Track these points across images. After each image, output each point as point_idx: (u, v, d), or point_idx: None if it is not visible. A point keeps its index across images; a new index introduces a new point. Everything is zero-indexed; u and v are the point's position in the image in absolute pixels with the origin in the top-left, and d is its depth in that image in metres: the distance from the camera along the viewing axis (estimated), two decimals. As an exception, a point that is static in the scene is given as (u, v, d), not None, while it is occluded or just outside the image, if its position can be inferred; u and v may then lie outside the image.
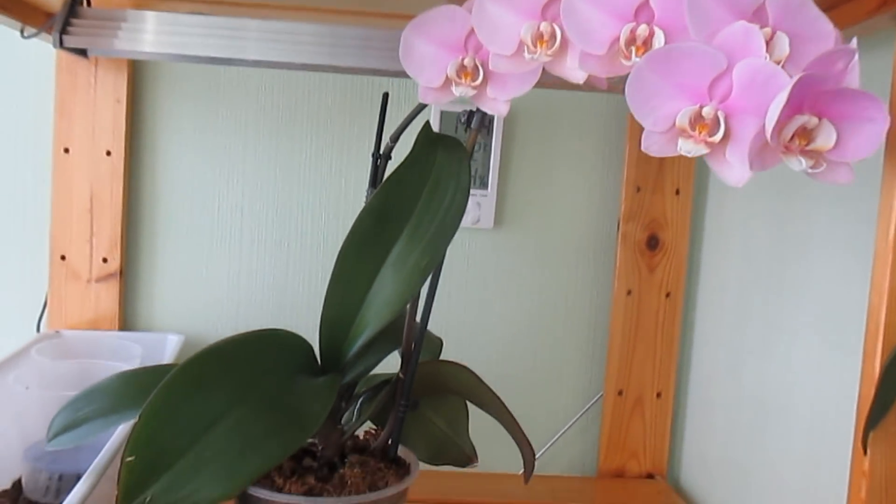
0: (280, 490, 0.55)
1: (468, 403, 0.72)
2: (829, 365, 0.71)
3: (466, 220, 1.01)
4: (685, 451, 1.03)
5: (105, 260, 0.99)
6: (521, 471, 1.03)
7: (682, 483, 1.03)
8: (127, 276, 1.01)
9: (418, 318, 0.60)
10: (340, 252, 0.58)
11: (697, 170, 1.00)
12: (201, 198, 1.01)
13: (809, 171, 0.41)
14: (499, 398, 0.64)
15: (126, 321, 1.02)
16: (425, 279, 0.56)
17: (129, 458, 0.42)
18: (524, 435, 0.65)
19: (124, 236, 1.00)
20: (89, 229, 0.99)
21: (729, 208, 0.94)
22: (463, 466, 0.71)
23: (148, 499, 0.42)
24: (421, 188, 0.57)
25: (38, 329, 1.00)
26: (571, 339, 1.04)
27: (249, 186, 1.01)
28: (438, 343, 0.71)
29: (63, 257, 0.98)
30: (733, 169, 0.41)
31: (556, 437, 1.05)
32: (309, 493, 0.55)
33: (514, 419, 0.64)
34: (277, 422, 0.47)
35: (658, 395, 1.02)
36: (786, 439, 0.77)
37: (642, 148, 0.43)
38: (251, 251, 1.02)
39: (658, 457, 1.03)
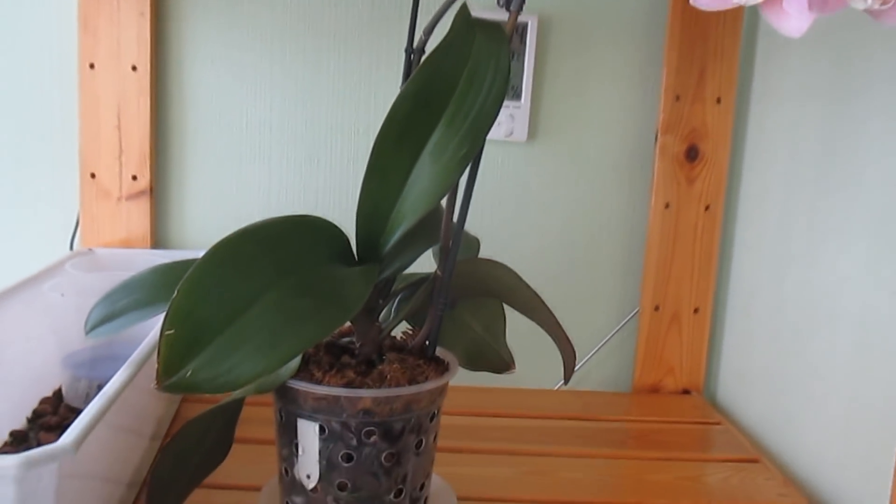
0: (319, 383, 0.55)
1: (505, 312, 0.71)
2: (882, 267, 0.68)
3: (499, 133, 0.98)
4: (722, 366, 1.01)
5: (135, 178, 0.98)
6: (556, 385, 1.03)
7: (719, 398, 1.02)
8: (157, 193, 1.00)
9: (456, 214, 0.59)
10: (376, 141, 0.56)
11: (740, 76, 0.97)
12: (229, 114, 0.99)
13: (877, 6, 0.37)
14: (538, 296, 0.62)
15: (157, 239, 1.02)
16: (465, 169, 0.54)
17: (169, 332, 0.41)
18: (564, 333, 0.63)
19: (153, 153, 0.99)
20: (118, 147, 0.98)
21: (774, 114, 0.90)
22: (500, 372, 0.70)
23: (189, 373, 0.41)
24: (459, 73, 0.55)
25: (71, 248, 1.01)
26: (607, 254, 1.02)
27: (277, 102, 0.99)
28: (476, 243, 0.69)
29: (93, 175, 0.98)
30: (790, 18, 0.38)
31: (591, 353, 1.04)
32: (348, 385, 0.55)
33: (554, 317, 0.63)
34: (318, 300, 0.46)
35: (696, 310, 1.00)
36: (831, 348, 0.76)
37: (691, 1, 0.40)
38: (280, 168, 1.00)
39: (695, 372, 1.02)
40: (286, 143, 1.00)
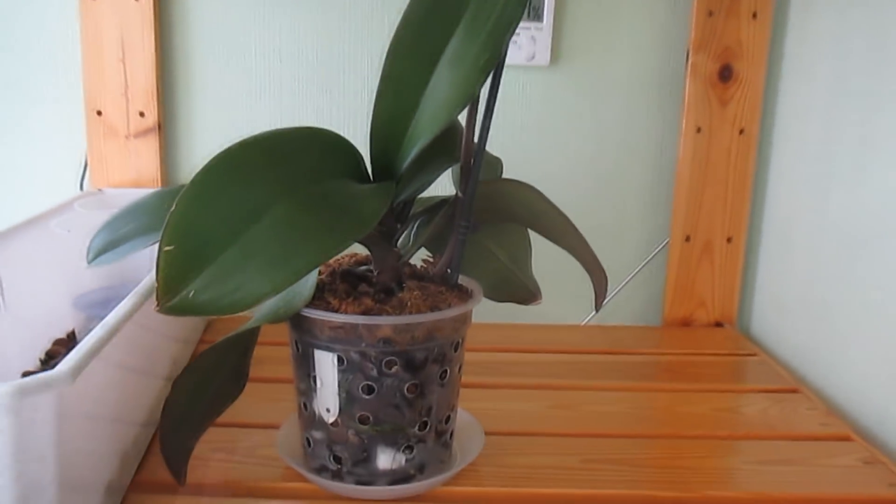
0: (336, 311, 0.51)
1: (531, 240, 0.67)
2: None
3: (520, 57, 0.93)
4: (756, 298, 0.97)
5: (142, 114, 0.94)
6: (583, 320, 1.00)
7: (753, 331, 0.98)
8: (166, 130, 0.97)
9: (477, 131, 0.55)
10: (389, 48, 0.52)
11: (777, -12, 0.90)
12: (237, 44, 0.94)
13: None
14: (568, 220, 0.58)
15: (168, 179, 0.98)
16: (486, 78, 0.50)
17: (168, 248, 0.38)
18: (596, 258, 0.60)
19: (160, 88, 0.95)
20: (123, 81, 0.94)
21: (815, 27, 0.84)
22: (525, 304, 0.66)
23: (191, 293, 0.38)
24: (478, -29, 0.50)
25: (80, 188, 0.98)
26: (636, 182, 0.98)
27: (287, 30, 0.94)
28: (499, 163, 0.65)
29: (99, 112, 0.94)
30: None
31: (620, 286, 1.00)
32: (366, 313, 0.51)
33: (585, 241, 0.59)
34: (331, 215, 0.42)
35: (728, 239, 0.96)
36: (880, 271, 0.71)
37: None
38: (292, 100, 0.96)
39: (727, 304, 0.98)
40: (297, 75, 0.95)
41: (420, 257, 0.62)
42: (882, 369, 0.70)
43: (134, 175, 0.96)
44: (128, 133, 0.95)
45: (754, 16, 0.90)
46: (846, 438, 0.68)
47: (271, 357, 0.70)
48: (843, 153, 0.78)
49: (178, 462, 0.52)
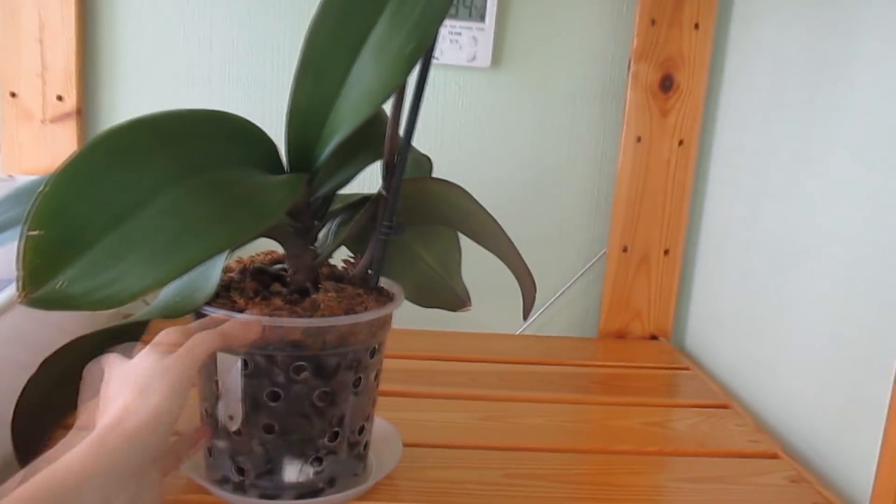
0: (241, 311, 0.48)
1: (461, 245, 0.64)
2: (867, 199, 0.63)
3: (461, 58, 0.91)
4: (692, 311, 0.96)
5: (60, 98, 0.89)
6: (518, 330, 0.97)
7: (688, 345, 0.97)
8: (86, 116, 0.91)
9: (403, 126, 0.52)
10: (308, 33, 0.48)
11: (720, 0, 0.90)
12: (166, 29, 0.90)
13: None
14: (496, 223, 0.56)
15: (87, 168, 0.93)
16: (411, 68, 0.47)
17: (34, 233, 0.34)
18: (524, 264, 0.57)
19: (81, 71, 0.89)
20: (40, 62, 0.88)
21: (755, 39, 0.84)
22: (454, 310, 0.64)
23: (62, 283, 0.34)
24: (406, -47, 0.47)
25: (-10, 175, 0.92)
26: (574, 190, 0.96)
27: (219, 17, 0.90)
28: (427, 162, 0.62)
29: (13, 94, 0.89)
30: None
31: (556, 296, 0.98)
32: (275, 314, 0.48)
33: (514, 247, 0.56)
34: (225, 205, 0.38)
35: (665, 251, 0.95)
36: (809, 287, 0.70)
37: None
38: (222, 90, 0.92)
39: (663, 317, 0.97)
40: (228, 63, 0.91)
41: (341, 257, 0.58)
42: (810, 386, 0.70)
43: (49, 161, 0.90)
44: (44, 117, 0.89)
45: (696, 26, 0.89)
46: (774, 456, 0.67)
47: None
48: (777, 166, 0.77)
49: (28, 450, 0.47)
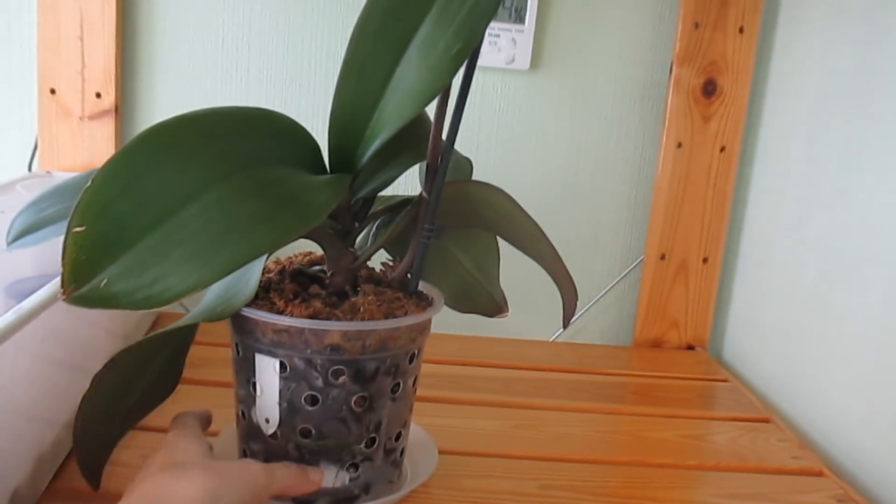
0: (281, 313, 0.47)
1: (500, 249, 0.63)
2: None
3: (500, 60, 0.89)
4: (730, 321, 0.94)
5: (98, 95, 0.89)
6: (552, 336, 0.96)
7: (726, 356, 0.95)
8: (123, 113, 0.92)
9: (446, 127, 0.51)
10: (355, 30, 0.48)
11: (766, 4, 0.88)
12: (203, 28, 0.90)
13: None
14: (538, 227, 0.54)
15: (124, 165, 0.93)
16: (457, 69, 0.46)
17: (78, 229, 0.33)
18: (566, 270, 0.56)
19: (119, 69, 0.90)
20: (80, 60, 0.89)
21: (802, 44, 0.81)
22: (491, 316, 0.62)
23: (104, 282, 0.33)
24: (453, -47, 0.46)
25: (29, 170, 0.92)
26: (612, 196, 0.94)
27: (257, 17, 0.90)
28: (468, 165, 0.61)
29: (52, 91, 0.89)
30: None
31: (591, 303, 0.96)
32: (314, 317, 0.47)
33: (556, 252, 0.55)
34: (270, 205, 0.38)
35: (704, 260, 0.93)
36: (859, 299, 0.68)
37: None
38: (259, 90, 0.91)
39: (700, 327, 0.95)
40: (265, 64, 0.91)
41: (380, 260, 0.58)
42: (856, 402, 0.67)
43: (86, 158, 0.91)
44: (82, 114, 0.90)
45: (741, 30, 0.88)
46: (818, 474, 0.65)
47: (213, 358, 0.65)
48: (825, 175, 0.75)
49: (92, 466, 0.48)
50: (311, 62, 0.91)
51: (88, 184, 0.35)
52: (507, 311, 0.62)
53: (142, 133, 0.37)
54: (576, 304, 0.58)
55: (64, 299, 0.33)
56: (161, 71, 0.91)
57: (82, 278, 0.34)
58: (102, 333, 0.65)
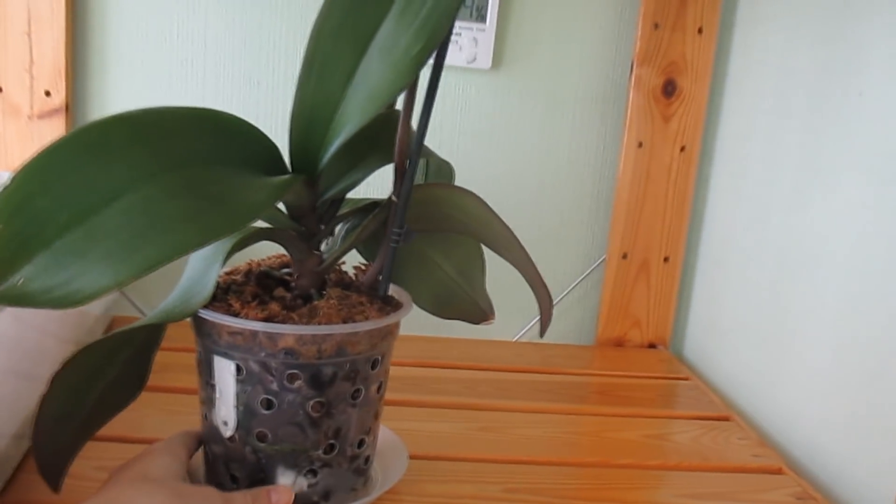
0: (237, 315, 0.46)
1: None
2: (877, 208, 0.62)
3: (461, 59, 0.89)
4: (691, 319, 0.95)
5: (48, 93, 0.87)
6: (515, 336, 0.96)
7: (686, 354, 0.96)
8: (74, 112, 0.89)
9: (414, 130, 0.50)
10: (313, 30, 0.46)
11: (724, 4, 0.88)
12: (158, 24, 0.88)
13: None
14: (512, 233, 0.54)
15: (75, 165, 0.90)
16: (419, 68, 0.45)
17: None
18: (540, 277, 0.55)
19: (69, 66, 0.87)
20: (28, 56, 0.86)
21: (760, 44, 0.82)
22: (476, 323, 0.61)
23: (20, 280, 0.32)
24: (414, -51, 0.46)
25: (-26, 171, 0.89)
26: (574, 196, 0.94)
27: (213, 13, 0.88)
28: (448, 169, 0.60)
29: (-1, 89, 0.86)
30: None
31: (554, 303, 0.96)
32: (268, 319, 0.46)
33: (529, 258, 0.54)
34: (197, 205, 0.37)
35: (665, 259, 0.93)
36: (816, 298, 0.69)
37: None
38: (216, 88, 0.89)
39: (662, 326, 0.95)
40: (222, 61, 0.89)
41: (353, 264, 0.56)
42: (814, 400, 0.68)
43: (36, 159, 0.88)
44: (31, 113, 0.87)
45: (700, 31, 0.88)
46: (778, 471, 0.65)
47: (178, 364, 0.64)
48: (783, 175, 0.76)
49: (52, 467, 0.46)
50: (270, 60, 0.89)
51: (7, 183, 0.34)
52: (493, 317, 0.61)
53: (70, 132, 0.37)
54: (551, 311, 0.58)
55: None
56: (114, 68, 0.88)
57: (0, 276, 0.33)
58: (52, 340, 0.62)
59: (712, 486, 0.61)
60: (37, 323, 0.58)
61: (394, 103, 0.54)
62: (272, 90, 0.90)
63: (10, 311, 0.49)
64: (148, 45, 0.88)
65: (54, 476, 0.46)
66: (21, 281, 0.33)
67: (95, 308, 0.78)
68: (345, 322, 0.47)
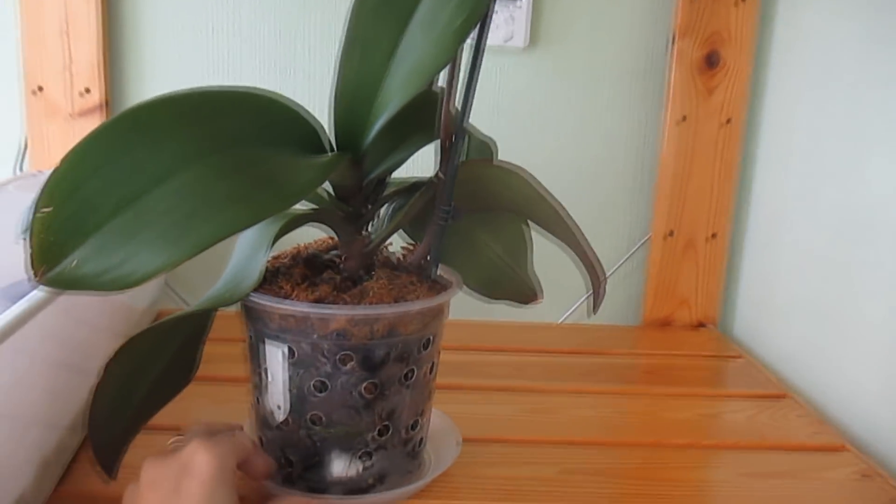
0: (287, 298, 0.45)
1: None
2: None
3: (496, 38, 0.87)
4: (740, 297, 0.93)
5: (87, 91, 0.87)
6: (559, 319, 0.94)
7: (736, 333, 0.93)
8: (113, 109, 0.89)
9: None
10: (353, 9, 0.46)
11: (767, -28, 0.86)
12: (191, 18, 0.88)
13: None
14: (562, 207, 0.52)
15: (116, 161, 0.91)
16: (461, 42, 0.44)
17: (45, 210, 0.33)
18: (593, 254, 0.54)
19: (106, 63, 0.87)
20: (66, 56, 0.86)
21: (804, 14, 0.80)
22: (524, 303, 0.60)
23: (73, 263, 0.32)
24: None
25: (20, 171, 0.90)
26: (617, 173, 0.93)
27: (246, 4, 0.87)
28: (491, 147, 0.59)
29: (39, 89, 0.87)
30: None
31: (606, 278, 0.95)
32: (319, 302, 0.45)
33: (583, 235, 0.53)
34: (246, 184, 0.37)
35: (713, 235, 0.91)
36: (873, 271, 0.67)
37: None
38: (253, 80, 0.89)
39: (710, 304, 0.93)
40: (257, 52, 0.89)
41: (400, 244, 0.56)
42: (875, 376, 0.66)
43: (78, 157, 0.89)
44: (71, 112, 0.88)
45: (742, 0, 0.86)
46: (840, 449, 0.63)
47: (225, 355, 0.64)
48: (833, 146, 0.73)
49: (107, 455, 0.46)
50: (305, 48, 0.89)
51: (57, 165, 0.34)
52: (542, 297, 0.60)
53: (117, 115, 0.36)
54: (603, 289, 0.56)
55: (36, 282, 0.32)
56: (150, 64, 0.89)
57: (52, 260, 0.33)
58: (102, 334, 0.63)
59: (773, 465, 0.60)
60: (87, 317, 0.58)
61: (435, 81, 0.54)
62: (309, 79, 0.89)
63: (61, 306, 0.49)
64: (183, 39, 0.88)
65: (110, 464, 0.47)
66: (74, 263, 0.33)
67: (142, 302, 0.79)
68: (395, 302, 0.47)
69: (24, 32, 0.85)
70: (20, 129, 0.89)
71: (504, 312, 0.94)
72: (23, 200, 0.72)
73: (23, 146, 0.89)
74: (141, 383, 0.45)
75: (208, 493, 0.40)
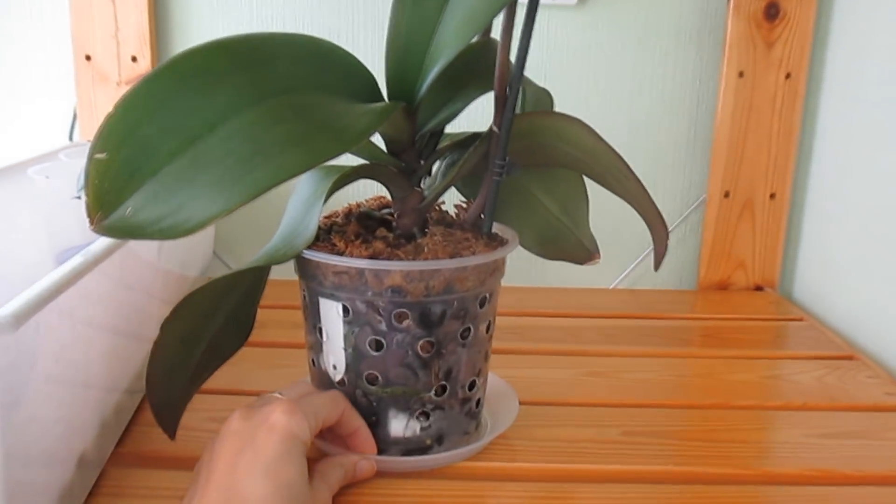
0: (341, 254, 0.44)
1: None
2: None
3: (545, -5, 0.85)
4: (801, 259, 0.90)
5: (134, 59, 0.87)
6: (613, 283, 0.92)
7: (797, 295, 0.90)
8: (160, 77, 0.89)
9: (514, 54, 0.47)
10: (405, -47, 0.44)
11: (831, -85, 0.82)
12: (236, -18, 0.87)
13: None
14: (624, 162, 0.50)
15: (164, 130, 0.91)
16: (518, -15, 0.42)
17: (100, 156, 0.32)
18: (657, 209, 0.52)
19: (153, 30, 0.87)
20: (113, 23, 0.86)
21: (874, -44, 0.76)
22: (581, 263, 0.58)
23: (128, 210, 0.31)
24: None
25: (70, 139, 0.91)
26: (671, 132, 0.90)
27: (290, -34, 0.86)
28: (548, 98, 0.57)
29: (88, 57, 0.87)
30: None
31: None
32: (374, 258, 0.44)
33: (644, 189, 0.51)
34: (303, 129, 0.36)
35: (772, 195, 0.88)
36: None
37: None
38: (297, 44, 0.88)
39: (769, 267, 0.90)
40: (301, 16, 0.88)
41: (454, 202, 0.54)
42: (954, 333, 0.63)
43: (126, 126, 0.89)
44: (119, 79, 0.88)
45: (805, -54, 0.82)
46: (915, 409, 0.61)
47: (276, 321, 0.64)
48: (907, 95, 0.70)
49: (168, 415, 0.46)
50: (349, 12, 0.87)
51: (111, 111, 0.33)
52: (599, 257, 0.58)
53: (170, 59, 0.35)
54: (666, 246, 0.54)
55: (93, 229, 0.32)
56: (196, 30, 0.88)
57: (108, 207, 0.32)
58: (154, 302, 0.63)
59: (845, 426, 0.57)
60: (139, 285, 0.58)
61: (489, 30, 0.52)
62: (353, 39, 0.88)
63: (114, 273, 0.49)
64: (227, 4, 0.87)
65: (170, 424, 0.46)
66: (129, 210, 0.32)
67: (192, 270, 0.79)
68: (451, 258, 0.45)
69: (72, 1, 0.85)
70: (70, 98, 0.89)
71: (556, 278, 0.92)
72: (69, 165, 0.73)
73: (73, 115, 0.90)
74: (198, 342, 0.45)
75: (283, 450, 0.40)
